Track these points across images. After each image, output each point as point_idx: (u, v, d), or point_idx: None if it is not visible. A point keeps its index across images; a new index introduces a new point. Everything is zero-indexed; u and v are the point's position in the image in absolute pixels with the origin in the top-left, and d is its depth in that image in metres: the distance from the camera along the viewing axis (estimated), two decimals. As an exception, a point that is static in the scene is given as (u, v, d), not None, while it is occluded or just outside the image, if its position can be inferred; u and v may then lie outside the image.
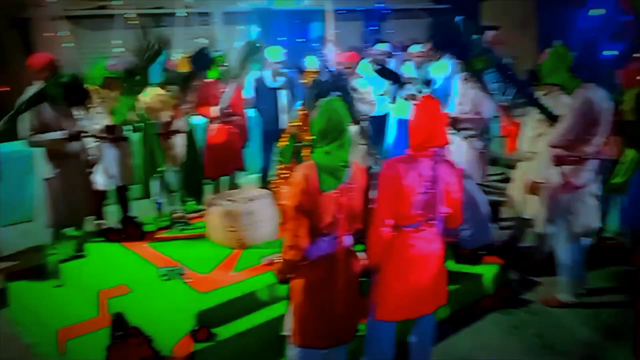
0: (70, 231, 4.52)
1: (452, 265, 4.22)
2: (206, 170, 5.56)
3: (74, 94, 4.46)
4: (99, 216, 5.34)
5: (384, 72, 5.67)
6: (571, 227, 4.09)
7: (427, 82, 5.60)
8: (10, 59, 7.90)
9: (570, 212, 4.06)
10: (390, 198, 2.85)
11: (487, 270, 4.37)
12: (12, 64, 7.45)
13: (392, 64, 6.54)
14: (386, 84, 6.15)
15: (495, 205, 5.05)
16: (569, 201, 4.06)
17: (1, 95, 6.75)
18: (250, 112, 6.06)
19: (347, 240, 2.87)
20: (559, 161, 4.04)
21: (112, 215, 5.49)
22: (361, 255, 3.01)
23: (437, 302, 3.12)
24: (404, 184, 2.84)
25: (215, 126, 5.57)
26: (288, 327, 2.91)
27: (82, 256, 4.46)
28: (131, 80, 4.62)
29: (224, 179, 5.88)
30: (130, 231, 4.62)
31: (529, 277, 4.64)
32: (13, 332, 4.14)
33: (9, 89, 6.80)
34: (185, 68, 6.21)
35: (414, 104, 3.13)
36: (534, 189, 4.25)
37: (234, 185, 5.85)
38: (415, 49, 6.22)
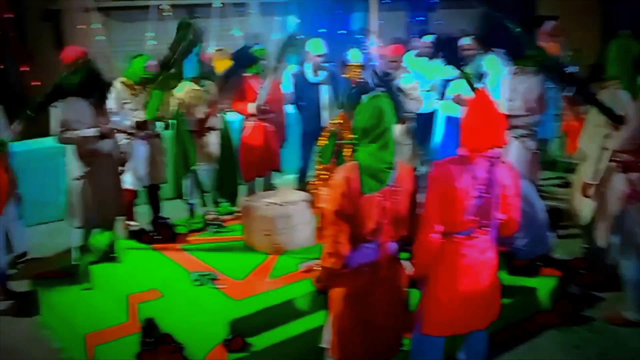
0: (98, 235, 4.60)
1: (505, 277, 4.13)
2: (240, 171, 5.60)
3: (91, 86, 4.51)
4: (129, 217, 5.45)
5: (446, 49, 5.49)
6: (638, 241, 3.95)
7: (480, 76, 5.51)
8: (42, 52, 8.14)
9: (638, 224, 3.93)
10: (441, 202, 2.80)
11: (544, 283, 4.27)
12: (44, 58, 7.68)
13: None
14: (435, 78, 6.07)
15: (553, 212, 4.92)
16: (637, 212, 3.92)
17: (33, 89, 6.98)
18: (290, 109, 6.07)
19: (392, 247, 2.85)
20: (625, 168, 3.91)
21: (142, 216, 5.60)
22: (407, 264, 2.97)
23: (489, 317, 3.06)
24: (456, 187, 2.79)
25: (251, 124, 5.57)
26: (327, 339, 2.91)
27: (112, 258, 4.55)
28: (166, 74, 4.69)
29: (259, 180, 5.90)
30: (162, 233, 4.69)
31: (592, 292, 4.51)
32: (41, 335, 4.26)
33: (39, 83, 7.02)
34: (219, 62, 6.29)
35: (467, 101, 3.08)
36: (585, 190, 4.13)
37: (269, 187, 5.87)
38: (465, 41, 6.13)
